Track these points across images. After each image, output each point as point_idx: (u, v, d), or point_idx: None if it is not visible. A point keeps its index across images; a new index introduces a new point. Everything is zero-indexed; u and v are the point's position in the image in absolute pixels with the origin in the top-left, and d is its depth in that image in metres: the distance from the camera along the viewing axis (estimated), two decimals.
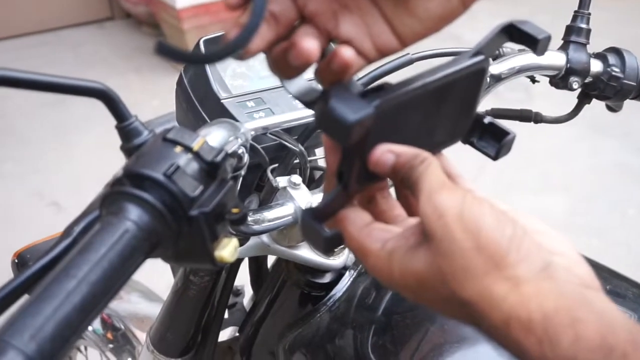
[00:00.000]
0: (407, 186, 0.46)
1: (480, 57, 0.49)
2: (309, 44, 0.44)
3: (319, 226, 0.46)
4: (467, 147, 0.53)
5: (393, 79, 0.50)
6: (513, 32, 0.49)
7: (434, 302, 0.43)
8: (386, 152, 0.46)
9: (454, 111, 0.51)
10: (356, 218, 0.47)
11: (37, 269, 0.47)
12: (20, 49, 4.13)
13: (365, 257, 0.46)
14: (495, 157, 0.52)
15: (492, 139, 0.52)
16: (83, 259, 0.43)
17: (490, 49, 0.50)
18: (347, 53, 0.45)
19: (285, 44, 0.46)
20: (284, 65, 0.46)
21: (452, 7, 0.45)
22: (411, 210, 0.50)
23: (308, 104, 0.49)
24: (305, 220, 0.47)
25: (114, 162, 0.51)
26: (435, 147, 0.51)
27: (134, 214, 0.46)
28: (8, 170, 3.03)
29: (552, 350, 0.37)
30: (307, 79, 0.48)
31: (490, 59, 0.51)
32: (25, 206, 2.80)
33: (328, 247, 0.47)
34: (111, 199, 0.47)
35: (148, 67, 3.93)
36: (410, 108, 0.47)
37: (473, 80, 0.50)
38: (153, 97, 3.48)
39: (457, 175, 0.50)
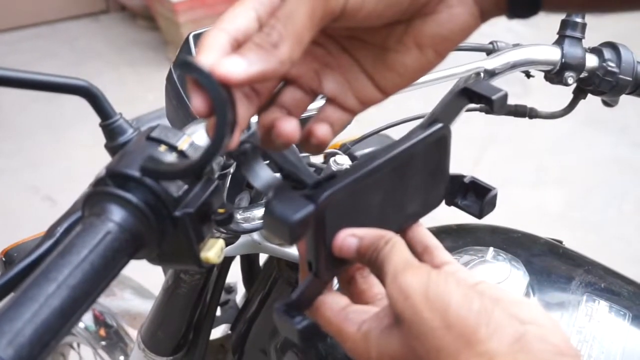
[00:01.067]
0: (374, 268, 0.46)
1: (438, 126, 0.49)
2: (288, 126, 0.45)
3: (290, 319, 0.46)
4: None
5: None
6: (470, 95, 0.49)
7: None
8: (348, 237, 0.46)
9: (422, 182, 0.51)
10: (332, 303, 0.47)
11: (18, 271, 0.46)
12: (15, 43, 4.11)
13: (343, 340, 0.46)
14: (479, 216, 0.52)
15: (475, 197, 0.52)
16: (64, 262, 0.42)
17: (448, 115, 0.50)
18: (322, 130, 0.47)
19: (269, 118, 0.46)
20: (270, 141, 0.46)
21: (427, 60, 0.46)
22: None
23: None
24: (278, 313, 0.47)
25: (109, 158, 0.51)
26: (409, 220, 0.51)
27: (116, 214, 0.45)
28: (2, 165, 3.02)
29: None
30: (271, 174, 0.49)
31: (454, 120, 0.51)
32: (19, 201, 2.79)
33: (303, 338, 0.46)
34: (94, 199, 0.46)
35: (143, 61, 3.91)
36: (367, 191, 0.47)
37: (436, 149, 0.50)
38: (148, 91, 3.46)
39: (435, 247, 0.50)
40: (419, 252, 0.50)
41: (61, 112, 3.28)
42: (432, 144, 0.49)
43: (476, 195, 0.52)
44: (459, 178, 0.52)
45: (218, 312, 1.02)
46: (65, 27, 4.33)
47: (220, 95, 0.39)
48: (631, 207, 2.78)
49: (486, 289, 0.43)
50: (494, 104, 0.48)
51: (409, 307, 0.41)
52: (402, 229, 0.51)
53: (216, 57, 0.40)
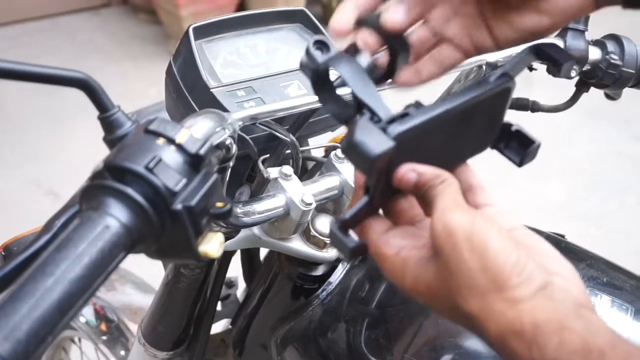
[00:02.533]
0: (426, 203, 0.49)
1: (506, 78, 0.52)
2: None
3: (344, 237, 0.49)
4: None
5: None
6: (540, 54, 0.53)
7: (441, 310, 0.47)
8: (409, 172, 0.49)
9: (479, 127, 0.54)
10: (376, 226, 0.51)
11: (14, 266, 0.46)
12: (16, 37, 4.10)
13: (382, 261, 0.49)
14: (520, 164, 0.56)
15: (519, 147, 0.56)
16: (61, 256, 0.42)
17: (517, 69, 0.53)
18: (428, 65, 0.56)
19: None
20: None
21: (541, 25, 0.52)
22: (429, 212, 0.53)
23: (344, 122, 0.52)
24: (332, 230, 0.50)
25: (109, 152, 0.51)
26: (460, 159, 0.54)
27: (114, 208, 0.45)
28: (5, 158, 3.01)
29: (539, 353, 0.41)
30: (343, 96, 0.52)
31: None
32: (22, 194, 2.78)
33: (353, 255, 0.50)
34: (91, 192, 0.46)
35: (144, 55, 3.90)
36: (434, 132, 0.50)
37: (499, 99, 0.53)
38: (150, 86, 3.45)
39: (479, 187, 0.54)
40: (463, 190, 0.52)
41: (63, 106, 3.28)
42: (497, 94, 0.52)
43: (519, 144, 0.55)
44: (505, 126, 0.55)
45: (219, 307, 1.02)
46: (66, 21, 4.32)
47: None
48: (633, 200, 2.77)
49: (522, 237, 0.48)
50: (562, 68, 0.53)
51: (451, 243, 0.44)
52: (452, 168, 0.53)
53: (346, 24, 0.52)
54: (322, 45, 0.52)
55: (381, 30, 0.53)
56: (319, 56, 0.51)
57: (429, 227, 0.46)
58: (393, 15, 0.52)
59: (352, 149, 0.46)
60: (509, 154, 0.56)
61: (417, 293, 0.47)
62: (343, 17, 0.52)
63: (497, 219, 0.50)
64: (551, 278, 0.44)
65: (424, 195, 0.49)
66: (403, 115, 0.48)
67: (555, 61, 0.53)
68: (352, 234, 0.50)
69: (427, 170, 0.49)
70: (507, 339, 0.42)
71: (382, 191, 0.50)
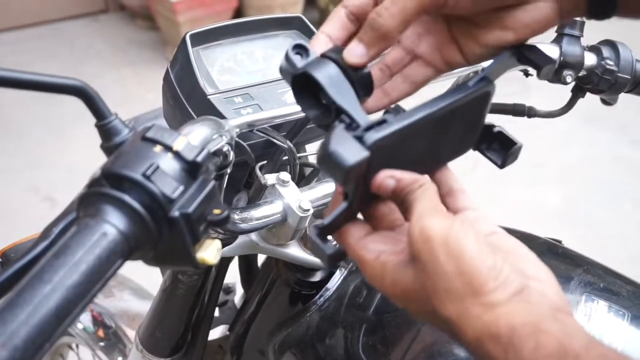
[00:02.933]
0: (404, 208, 0.49)
1: (485, 82, 0.52)
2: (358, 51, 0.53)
3: (322, 244, 0.50)
4: None
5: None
6: (521, 57, 0.53)
7: (419, 313, 0.48)
8: (387, 178, 0.49)
9: (460, 131, 0.54)
10: (355, 231, 0.51)
11: (12, 273, 0.46)
12: (15, 43, 4.10)
13: (362, 266, 0.50)
14: (501, 166, 0.55)
15: (501, 148, 0.55)
16: (58, 263, 0.42)
17: (496, 73, 0.54)
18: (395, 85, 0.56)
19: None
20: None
21: (506, 40, 0.53)
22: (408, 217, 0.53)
23: (325, 128, 0.53)
24: (311, 237, 0.50)
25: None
26: (440, 162, 0.55)
27: (112, 215, 0.45)
28: (3, 164, 3.02)
29: (515, 356, 0.41)
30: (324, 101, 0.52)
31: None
32: (20, 201, 2.78)
33: (331, 261, 0.51)
34: (89, 200, 0.46)
35: (142, 60, 3.90)
36: (413, 137, 0.50)
37: (479, 103, 0.53)
38: (147, 92, 3.46)
39: (460, 190, 0.54)
40: (443, 194, 0.54)
41: (61, 112, 3.28)
42: (477, 97, 0.52)
43: (501, 146, 0.55)
44: (488, 127, 0.55)
45: (216, 313, 1.01)
46: (64, 27, 4.33)
47: None
48: (630, 206, 2.78)
49: (501, 241, 0.49)
50: (541, 71, 0.53)
51: (427, 248, 0.44)
52: (433, 172, 0.54)
53: (336, 29, 0.54)
54: (301, 50, 0.52)
55: (344, 65, 0.52)
56: (298, 61, 0.51)
57: (407, 232, 0.47)
58: (353, 52, 0.52)
59: (326, 159, 0.46)
60: (491, 155, 0.56)
61: (395, 297, 0.48)
62: (315, 48, 0.53)
63: (477, 223, 0.51)
64: (528, 282, 0.45)
65: (403, 201, 0.49)
66: (380, 122, 0.48)
67: (535, 64, 0.53)
68: (332, 240, 0.51)
69: (404, 176, 0.49)
70: (484, 343, 0.42)
71: (361, 197, 0.50)
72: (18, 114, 3.38)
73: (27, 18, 4.28)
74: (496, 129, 0.55)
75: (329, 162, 0.46)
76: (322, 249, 0.50)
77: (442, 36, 0.55)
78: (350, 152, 0.46)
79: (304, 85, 0.52)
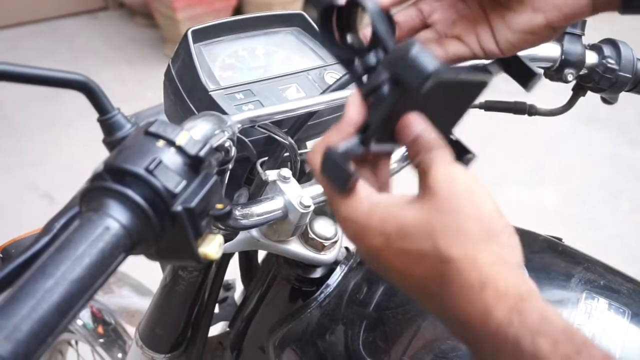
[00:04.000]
0: (419, 160, 0.48)
1: (486, 73, 0.53)
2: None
3: (345, 163, 0.47)
4: (463, 138, 0.54)
5: None
6: (506, 67, 0.56)
7: (404, 252, 0.45)
8: (419, 121, 0.49)
9: (452, 109, 0.53)
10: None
11: (14, 267, 0.46)
12: (13, 40, 4.10)
13: (347, 198, 0.48)
14: None
15: (455, 156, 0.54)
16: (61, 257, 0.42)
17: (495, 69, 0.58)
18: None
19: None
20: None
21: (537, 24, 0.54)
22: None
23: (344, 63, 0.53)
24: (331, 156, 0.48)
25: (108, 155, 0.51)
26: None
27: (114, 210, 0.45)
28: (2, 162, 3.01)
29: (520, 319, 0.40)
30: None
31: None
32: (18, 198, 2.78)
33: (347, 185, 0.48)
34: (91, 194, 0.46)
35: (141, 58, 3.90)
36: (438, 91, 0.49)
37: (475, 89, 0.53)
38: (147, 89, 3.46)
39: None
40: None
41: (60, 110, 3.28)
42: (478, 84, 0.52)
43: (456, 154, 0.53)
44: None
45: (217, 310, 1.01)
46: (63, 25, 4.32)
47: None
48: (629, 205, 2.78)
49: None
50: (526, 86, 0.56)
51: (451, 188, 0.45)
52: None
53: None
54: None
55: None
56: None
57: (431, 173, 0.46)
58: None
59: (406, 61, 0.46)
60: None
61: (380, 233, 0.46)
62: None
63: None
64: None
65: (420, 151, 0.48)
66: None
67: (520, 79, 0.55)
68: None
69: (432, 132, 0.49)
70: (485, 293, 0.42)
71: (378, 134, 0.49)
72: (16, 112, 3.38)
73: (26, 15, 4.27)
74: (453, 137, 0.54)
75: (408, 65, 0.46)
76: (344, 168, 0.47)
77: (477, 20, 0.57)
78: (432, 61, 0.45)
79: (330, 18, 0.52)
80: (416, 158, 0.49)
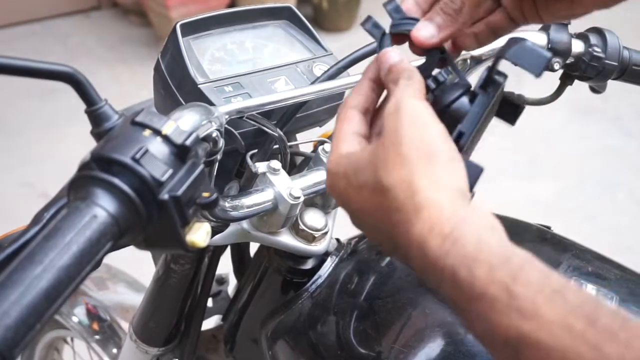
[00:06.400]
0: (388, 89, 0.51)
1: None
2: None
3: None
4: None
5: None
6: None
7: (358, 187, 0.47)
8: (395, 53, 0.52)
9: (485, 124, 0.56)
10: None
11: (4, 257, 0.46)
12: (7, 41, 4.09)
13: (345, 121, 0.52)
14: None
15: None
16: (49, 245, 0.42)
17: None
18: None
19: None
20: None
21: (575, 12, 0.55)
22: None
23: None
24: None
25: None
26: None
27: (102, 198, 0.45)
28: None
29: (454, 246, 0.40)
30: None
31: None
32: (15, 197, 2.78)
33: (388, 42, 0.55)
34: (79, 183, 0.47)
35: (135, 57, 3.90)
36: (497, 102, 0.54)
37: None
38: (141, 88, 3.45)
39: None
40: None
41: (55, 109, 3.28)
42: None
43: None
44: None
45: (210, 303, 1.02)
46: (57, 25, 4.31)
47: None
48: (624, 197, 2.79)
49: None
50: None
51: (395, 117, 0.46)
52: None
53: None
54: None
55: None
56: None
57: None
58: (422, 32, 0.54)
59: (525, 50, 0.49)
60: None
61: (342, 176, 0.49)
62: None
63: None
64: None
65: (390, 83, 0.51)
66: None
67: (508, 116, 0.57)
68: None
69: (407, 63, 0.52)
70: (421, 220, 0.42)
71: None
72: (11, 111, 3.38)
73: (19, 15, 4.26)
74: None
75: (528, 53, 0.48)
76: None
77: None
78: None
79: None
80: (389, 90, 0.51)
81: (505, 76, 0.52)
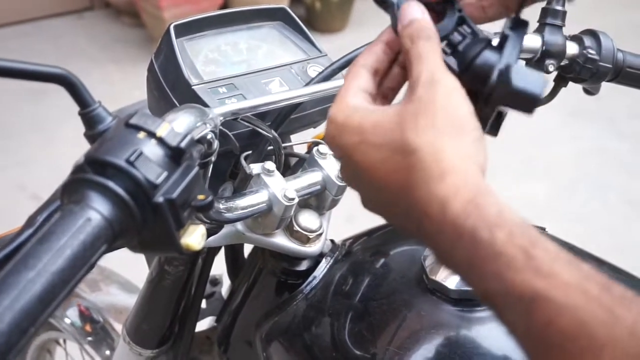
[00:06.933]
0: (408, 48, 0.51)
1: None
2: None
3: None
4: None
5: None
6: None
7: (376, 146, 0.47)
8: (419, 8, 0.52)
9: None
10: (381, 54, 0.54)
11: None
12: (1, 41, 4.08)
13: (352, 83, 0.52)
14: None
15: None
16: (42, 248, 0.42)
17: None
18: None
19: None
20: None
21: None
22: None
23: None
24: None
25: None
26: None
27: (95, 201, 0.45)
28: None
29: (477, 211, 0.42)
30: None
31: None
32: (6, 198, 2.77)
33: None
34: (72, 186, 0.46)
35: (128, 58, 3.89)
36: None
37: None
38: (133, 89, 3.44)
39: None
40: None
41: (48, 110, 3.26)
42: None
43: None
44: None
45: (204, 305, 1.02)
46: (49, 25, 4.30)
47: None
48: (616, 198, 2.80)
49: None
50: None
51: (432, 90, 0.47)
52: None
53: None
54: None
55: None
56: None
57: (414, 73, 0.49)
58: None
59: (515, 95, 0.48)
60: None
61: (356, 131, 0.48)
62: None
63: None
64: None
65: (409, 37, 0.51)
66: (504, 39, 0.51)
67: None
68: None
69: (429, 23, 0.52)
70: (445, 183, 0.43)
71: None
72: (5, 112, 3.36)
73: (11, 16, 4.25)
74: None
75: (518, 98, 0.48)
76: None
77: None
78: (537, 83, 0.47)
79: None
80: (406, 46, 0.51)
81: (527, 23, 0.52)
